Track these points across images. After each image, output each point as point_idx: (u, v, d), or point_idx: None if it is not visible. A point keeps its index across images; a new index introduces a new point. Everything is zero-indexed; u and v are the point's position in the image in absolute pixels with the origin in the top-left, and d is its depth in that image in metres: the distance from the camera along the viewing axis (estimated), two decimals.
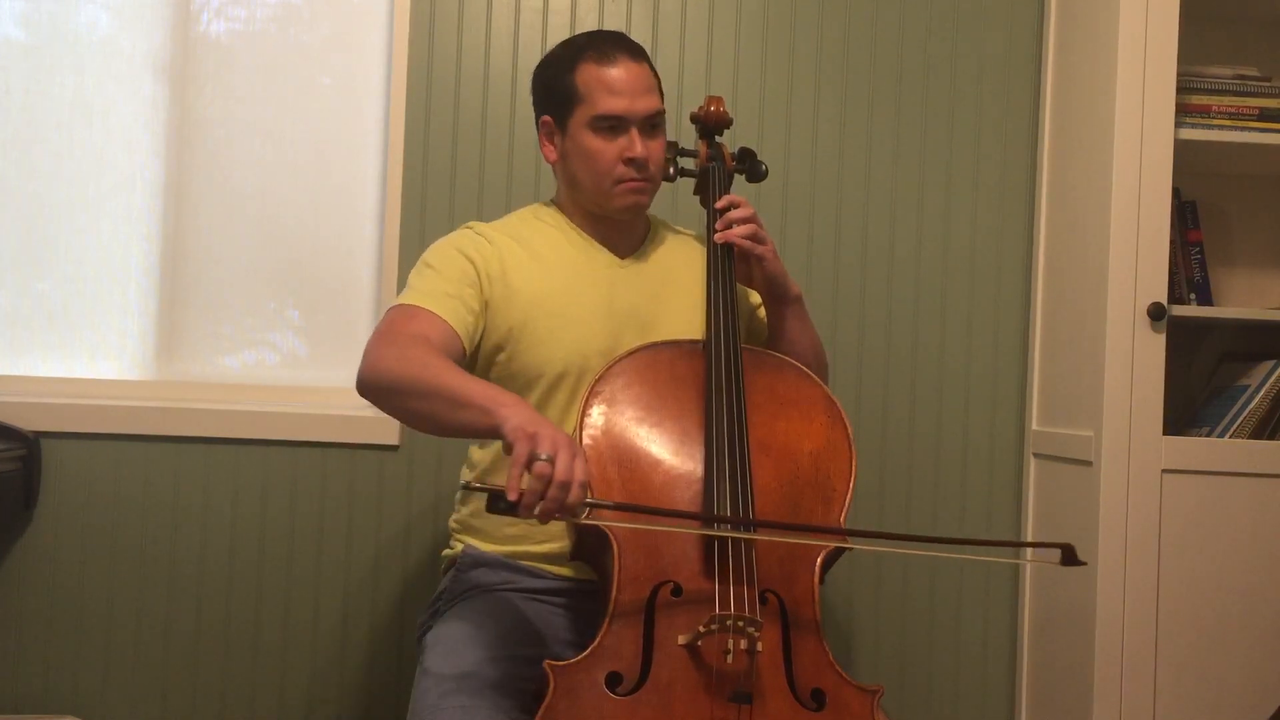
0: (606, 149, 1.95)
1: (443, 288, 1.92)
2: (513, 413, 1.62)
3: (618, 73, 1.95)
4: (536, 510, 1.56)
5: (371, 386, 1.81)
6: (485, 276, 1.96)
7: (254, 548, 2.54)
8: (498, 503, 1.56)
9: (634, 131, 1.95)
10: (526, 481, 1.55)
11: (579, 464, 1.57)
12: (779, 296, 2.03)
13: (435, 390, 1.72)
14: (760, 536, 1.73)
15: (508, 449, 1.58)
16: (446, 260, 1.97)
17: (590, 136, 1.96)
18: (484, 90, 2.60)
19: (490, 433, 1.64)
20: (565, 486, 1.55)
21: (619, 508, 1.69)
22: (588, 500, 1.61)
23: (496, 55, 2.60)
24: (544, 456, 1.55)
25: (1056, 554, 1.75)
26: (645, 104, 1.95)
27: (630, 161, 1.95)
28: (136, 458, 2.51)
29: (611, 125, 1.95)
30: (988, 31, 2.69)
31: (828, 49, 2.67)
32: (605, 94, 1.94)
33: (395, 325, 1.88)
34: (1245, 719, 2.33)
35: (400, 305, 1.92)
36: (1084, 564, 1.77)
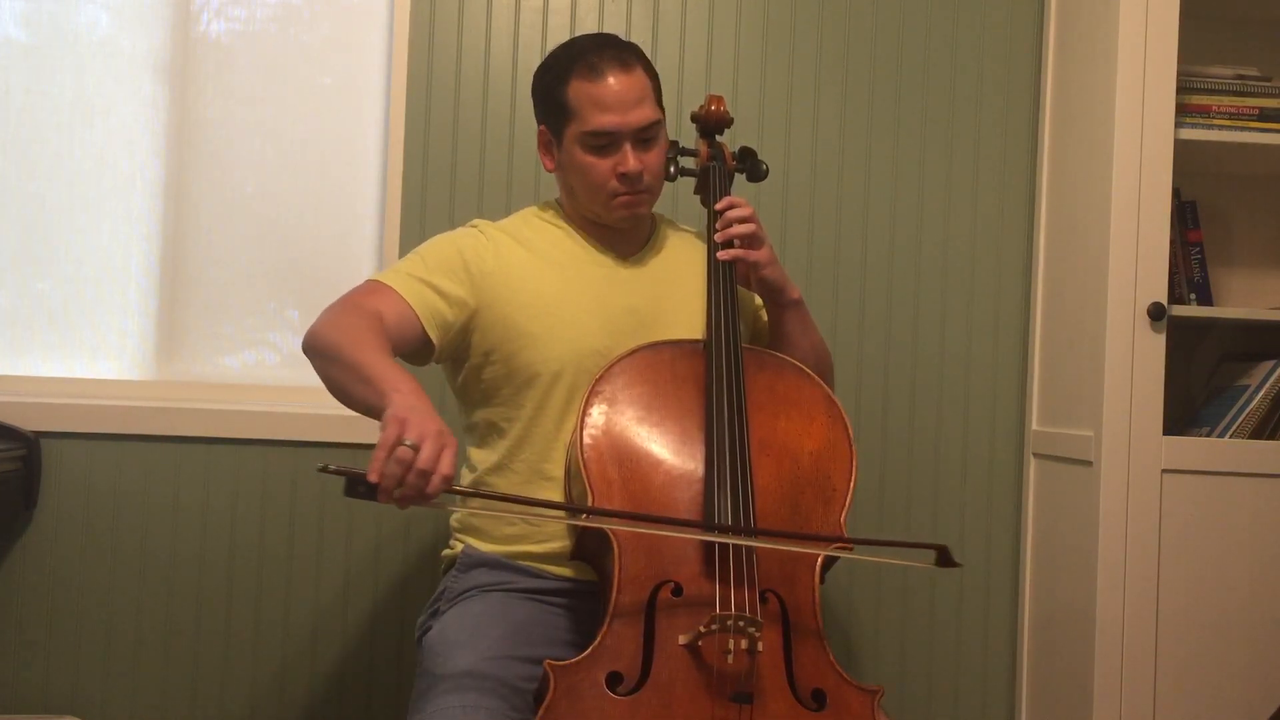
0: (599, 165, 1.95)
1: (418, 272, 1.95)
2: (399, 398, 1.62)
3: (607, 88, 1.93)
4: (395, 494, 1.56)
5: (307, 346, 1.85)
6: (477, 272, 1.96)
7: (254, 548, 2.54)
8: (357, 486, 1.56)
9: (627, 147, 1.94)
10: (390, 466, 1.55)
11: (446, 456, 1.57)
12: (778, 301, 2.03)
13: (349, 362, 1.75)
14: (752, 542, 1.73)
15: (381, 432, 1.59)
16: (433, 248, 2.00)
17: (582, 153, 1.95)
18: (484, 90, 2.60)
19: (378, 413, 1.64)
20: (424, 475, 1.55)
21: (481, 496, 1.70)
22: (453, 489, 1.60)
23: (496, 55, 2.60)
24: (408, 442, 1.55)
25: (932, 555, 1.74)
26: (637, 117, 1.94)
27: (623, 177, 1.95)
28: (136, 458, 2.51)
29: (603, 143, 1.94)
30: (988, 31, 2.69)
31: (828, 49, 2.67)
32: (595, 110, 1.93)
33: (353, 295, 1.92)
34: (1245, 719, 2.33)
35: (370, 279, 1.96)
36: (959, 565, 1.75)
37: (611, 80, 1.93)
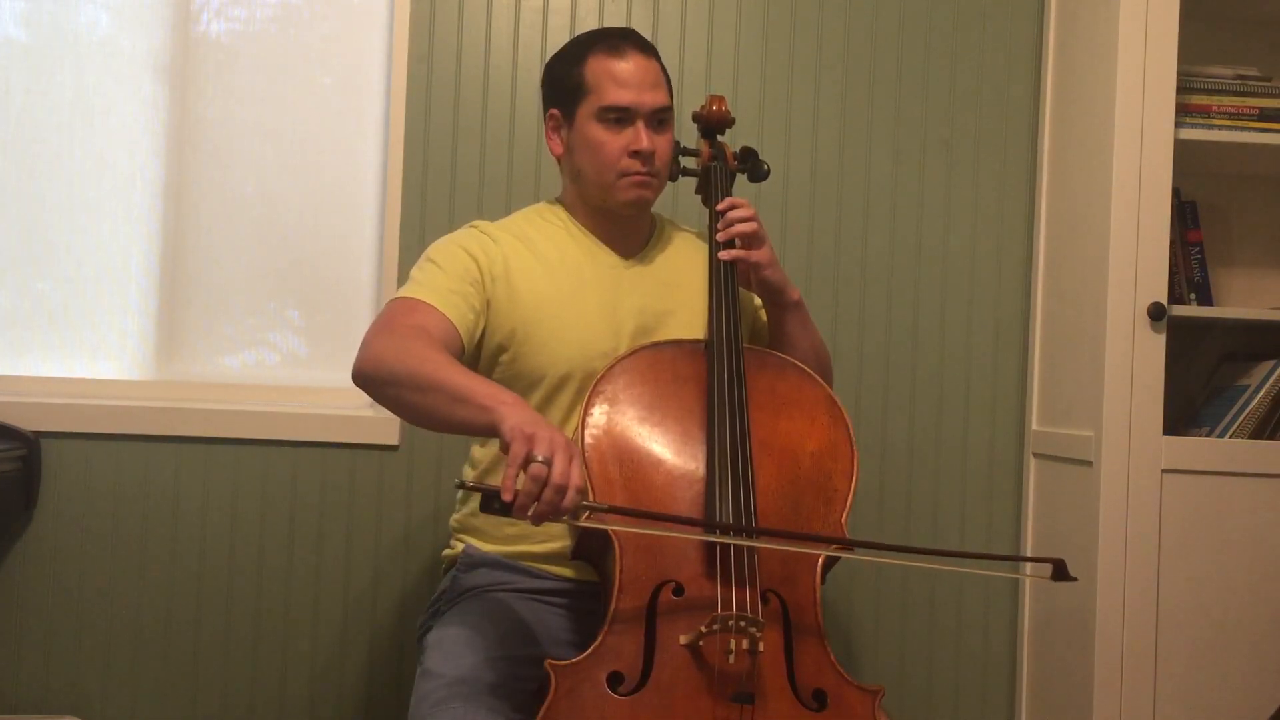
0: (613, 140, 1.95)
1: (445, 283, 1.92)
2: (511, 411, 1.61)
3: (626, 65, 1.95)
4: (530, 512, 1.56)
5: (369, 377, 1.80)
6: (488, 276, 1.96)
7: (254, 547, 2.54)
8: (492, 503, 1.56)
9: (640, 124, 1.95)
10: (522, 482, 1.55)
11: (576, 468, 1.57)
12: (779, 302, 2.03)
13: (434, 384, 1.71)
14: (760, 544, 1.73)
15: (504, 448, 1.58)
16: (450, 256, 1.97)
17: (597, 128, 1.95)
18: (484, 90, 2.60)
19: (488, 430, 1.63)
20: (561, 490, 1.55)
21: (615, 511, 1.69)
22: (584, 504, 1.61)
23: (496, 55, 2.60)
24: (540, 458, 1.54)
25: (1048, 569, 1.75)
26: (653, 98, 1.95)
27: (636, 154, 1.95)
28: (136, 458, 2.51)
29: (618, 117, 1.95)
30: (988, 32, 2.69)
31: (828, 49, 2.67)
32: (613, 85, 1.94)
33: (395, 317, 1.87)
34: (1245, 719, 2.33)
35: (401, 298, 1.91)
36: (1074, 579, 1.78)
37: (632, 59, 1.96)
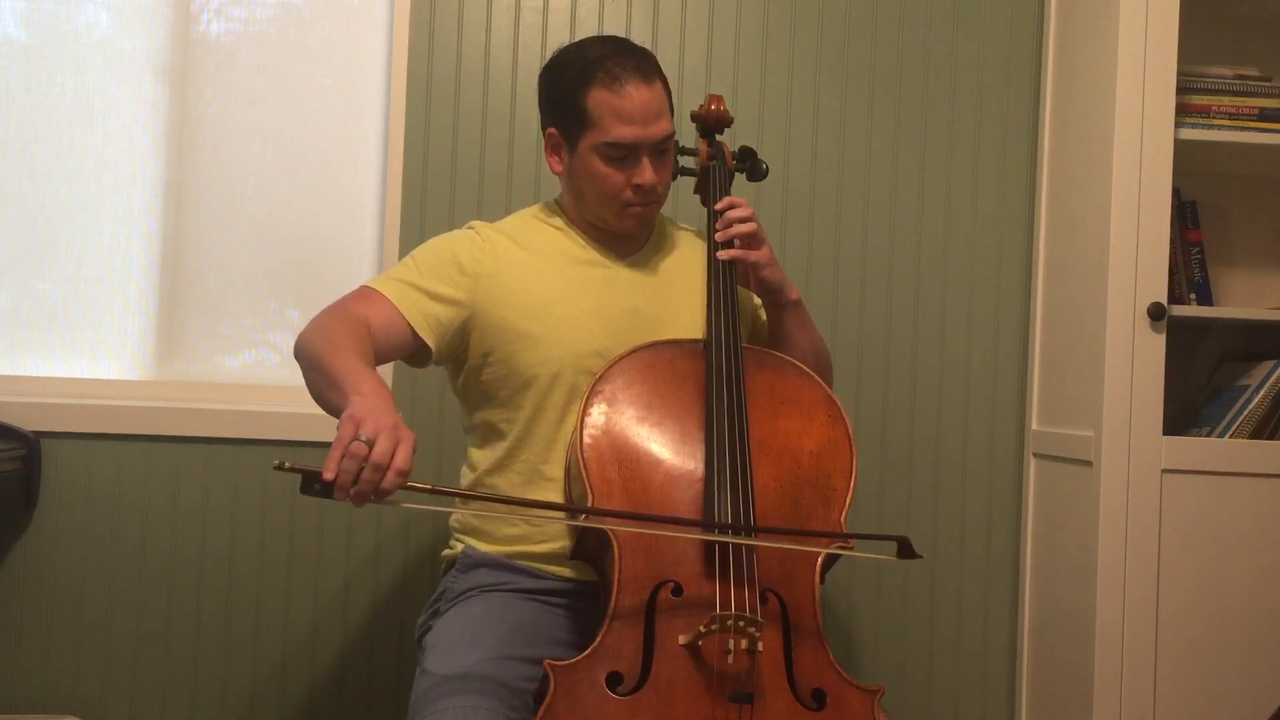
0: (615, 175, 1.94)
1: (408, 277, 1.95)
2: (358, 398, 1.63)
3: (630, 100, 1.91)
4: (351, 491, 1.56)
5: (295, 352, 1.87)
6: (473, 275, 1.96)
7: (254, 548, 2.54)
8: (313, 484, 1.55)
9: (645, 159, 1.93)
10: (345, 463, 1.55)
11: (402, 450, 1.56)
12: (778, 302, 2.03)
13: (323, 367, 1.77)
14: (759, 543, 1.73)
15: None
16: (427, 252, 2.00)
17: (599, 162, 1.94)
18: (484, 90, 2.60)
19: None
20: (379, 469, 1.55)
21: (438, 493, 1.66)
22: (410, 485, 1.58)
23: (496, 55, 2.60)
24: (363, 438, 1.55)
25: (893, 547, 1.74)
26: (656, 130, 1.93)
27: (639, 188, 1.94)
28: (136, 458, 2.51)
29: (622, 154, 1.93)
30: (988, 31, 2.69)
31: (828, 49, 2.67)
32: (617, 122, 1.91)
33: (343, 301, 1.93)
34: (1245, 719, 2.33)
35: (364, 285, 1.97)
36: (920, 557, 1.74)
37: (634, 92, 1.91)
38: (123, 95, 2.62)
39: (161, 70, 2.64)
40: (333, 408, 1.73)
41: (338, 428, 1.58)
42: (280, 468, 1.58)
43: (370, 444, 1.55)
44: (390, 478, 1.56)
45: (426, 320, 1.93)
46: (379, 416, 1.58)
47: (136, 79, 2.63)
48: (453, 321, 1.95)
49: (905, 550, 1.73)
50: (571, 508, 1.83)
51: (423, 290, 1.94)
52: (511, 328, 1.95)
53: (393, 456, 1.55)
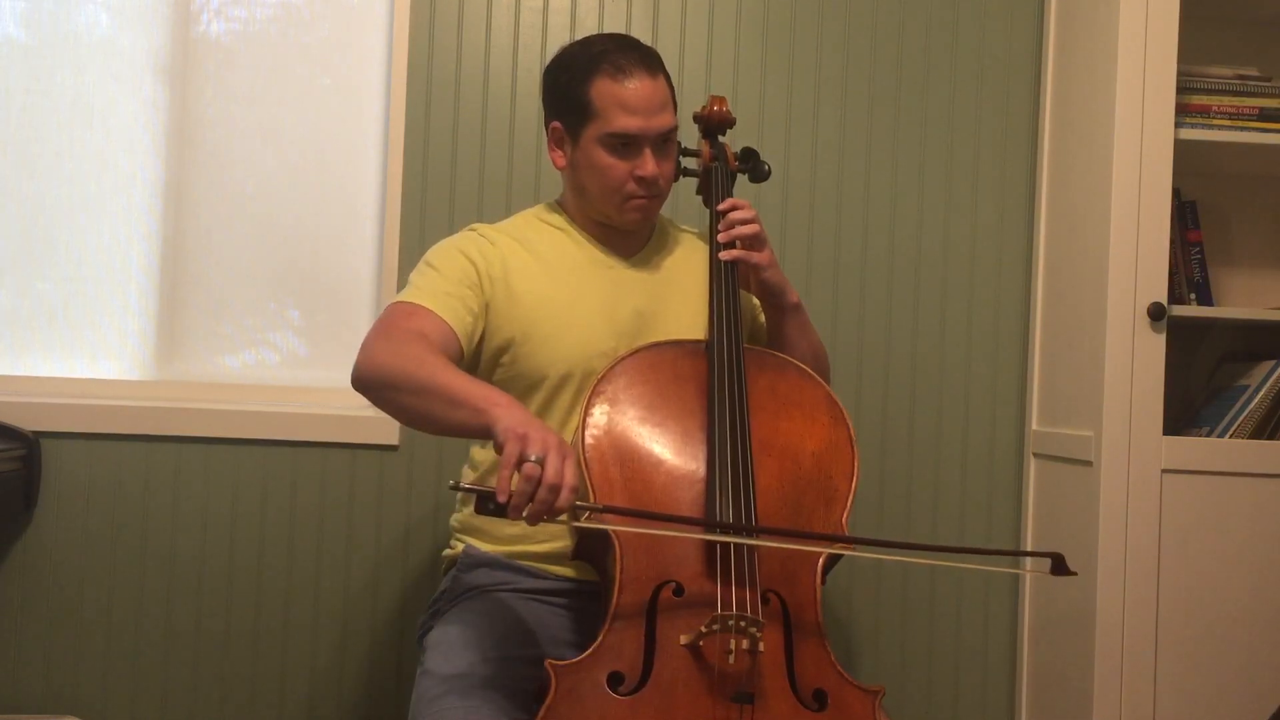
0: (618, 166, 1.94)
1: (443, 287, 1.92)
2: (505, 413, 1.61)
3: (634, 90, 1.91)
4: (525, 512, 1.56)
5: (367, 381, 1.81)
6: (486, 278, 1.96)
7: (254, 548, 2.54)
8: (487, 504, 1.56)
9: (647, 151, 1.93)
10: (516, 482, 1.55)
11: (569, 467, 1.57)
12: (778, 304, 2.03)
13: (430, 387, 1.72)
14: (761, 542, 1.73)
15: (499, 449, 1.58)
16: (448, 260, 1.97)
17: (602, 153, 1.94)
18: (484, 90, 2.60)
19: (483, 433, 1.64)
20: (554, 489, 1.55)
21: (611, 511, 1.68)
22: (579, 504, 1.61)
23: (496, 55, 2.60)
24: (533, 458, 1.54)
25: (1046, 563, 1.75)
26: (660, 122, 1.93)
27: (640, 180, 1.94)
28: (136, 458, 2.51)
29: (625, 144, 1.93)
30: (988, 31, 2.69)
31: (828, 49, 2.67)
32: (620, 112, 1.91)
33: (394, 321, 1.88)
34: (1245, 719, 2.33)
35: (400, 302, 1.92)
36: (1074, 574, 1.77)
37: (638, 84, 1.92)
38: (123, 95, 2.62)
39: (161, 70, 2.63)
40: (454, 426, 1.70)
41: (502, 446, 1.56)
42: (458, 488, 1.61)
43: (540, 463, 1.54)
44: (565, 496, 1.56)
45: (465, 329, 1.91)
46: (544, 433, 1.58)
47: (136, 79, 2.63)
48: (477, 326, 1.94)
49: (1059, 567, 1.74)
50: (713, 522, 1.73)
51: (456, 298, 1.92)
52: (522, 330, 1.95)
53: (563, 474, 1.55)
